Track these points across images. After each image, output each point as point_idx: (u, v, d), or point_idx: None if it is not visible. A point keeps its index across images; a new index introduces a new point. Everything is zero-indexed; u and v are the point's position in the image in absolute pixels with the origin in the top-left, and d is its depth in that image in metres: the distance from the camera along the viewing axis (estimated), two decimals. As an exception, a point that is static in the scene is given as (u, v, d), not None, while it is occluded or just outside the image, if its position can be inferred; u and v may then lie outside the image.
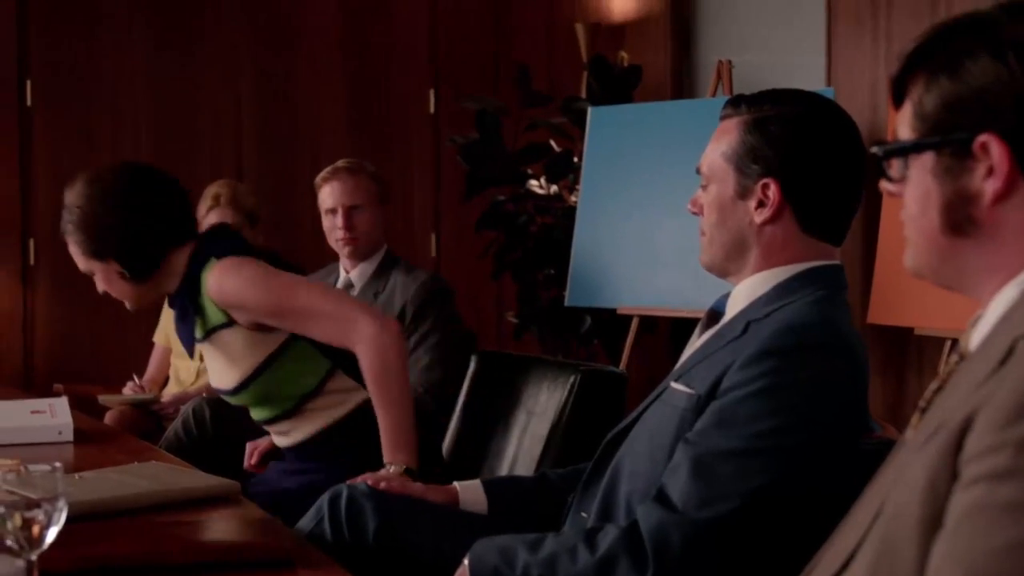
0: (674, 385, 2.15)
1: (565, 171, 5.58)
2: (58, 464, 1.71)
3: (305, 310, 2.90)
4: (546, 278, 5.63)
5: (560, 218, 5.56)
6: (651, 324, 5.29)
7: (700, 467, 1.99)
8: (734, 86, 5.06)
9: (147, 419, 4.53)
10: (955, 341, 4.02)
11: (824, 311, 2.08)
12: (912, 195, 1.37)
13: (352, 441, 3.00)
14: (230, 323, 2.95)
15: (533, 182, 5.67)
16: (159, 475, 2.55)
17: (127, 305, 3.11)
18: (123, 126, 6.00)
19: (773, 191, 2.12)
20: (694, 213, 2.26)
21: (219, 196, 4.69)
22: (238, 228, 4.55)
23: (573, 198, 5.47)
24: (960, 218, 1.31)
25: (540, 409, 3.14)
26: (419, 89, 6.50)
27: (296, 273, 3.05)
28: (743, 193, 2.15)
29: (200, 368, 4.66)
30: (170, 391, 4.69)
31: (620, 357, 5.11)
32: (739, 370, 2.01)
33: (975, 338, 1.33)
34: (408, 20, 6.50)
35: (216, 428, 3.70)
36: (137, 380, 4.71)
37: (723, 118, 2.21)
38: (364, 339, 2.87)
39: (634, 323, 5.00)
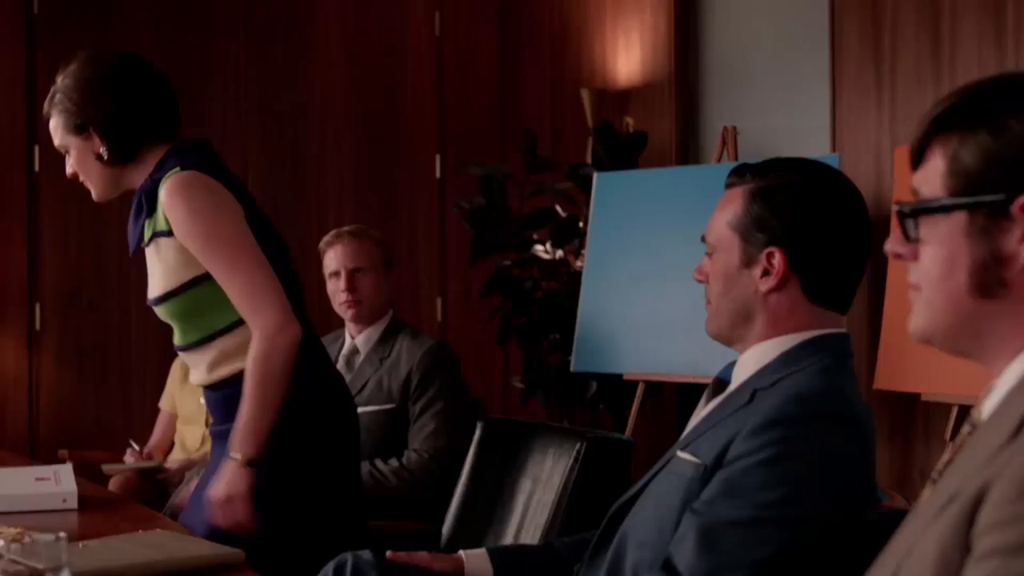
0: (680, 454, 2.14)
1: (571, 236, 5.59)
2: (62, 534, 1.71)
3: (222, 272, 2.86)
4: (552, 343, 5.62)
5: (566, 283, 5.56)
6: (657, 389, 5.28)
7: (707, 537, 1.98)
8: (739, 152, 5.08)
9: (151, 486, 4.51)
10: (962, 407, 4.01)
11: (831, 380, 2.08)
12: (935, 255, 1.33)
13: None
14: (171, 233, 2.91)
15: (539, 247, 5.68)
16: (164, 544, 2.53)
17: (93, 193, 3.06)
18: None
19: (778, 260, 2.12)
20: (699, 281, 2.26)
21: None
22: None
23: (579, 263, 5.47)
24: (990, 280, 1.28)
25: (546, 476, 3.12)
26: (425, 154, 6.53)
27: (271, 235, 2.99)
28: (748, 262, 2.16)
29: (206, 434, 4.65)
30: (175, 457, 4.67)
31: (626, 422, 5.10)
32: (745, 439, 2.01)
33: (987, 409, 1.32)
34: (415, 86, 6.55)
35: (221, 495, 3.67)
36: (135, 446, 4.69)
37: (728, 186, 2.22)
38: (259, 330, 2.83)
39: (640, 389, 4.99)
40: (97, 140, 2.96)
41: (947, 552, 1.15)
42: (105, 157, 2.98)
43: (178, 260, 2.91)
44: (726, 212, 2.19)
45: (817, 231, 2.13)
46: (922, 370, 4.09)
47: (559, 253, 5.65)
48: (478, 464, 3.36)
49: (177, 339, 3.06)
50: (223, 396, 2.99)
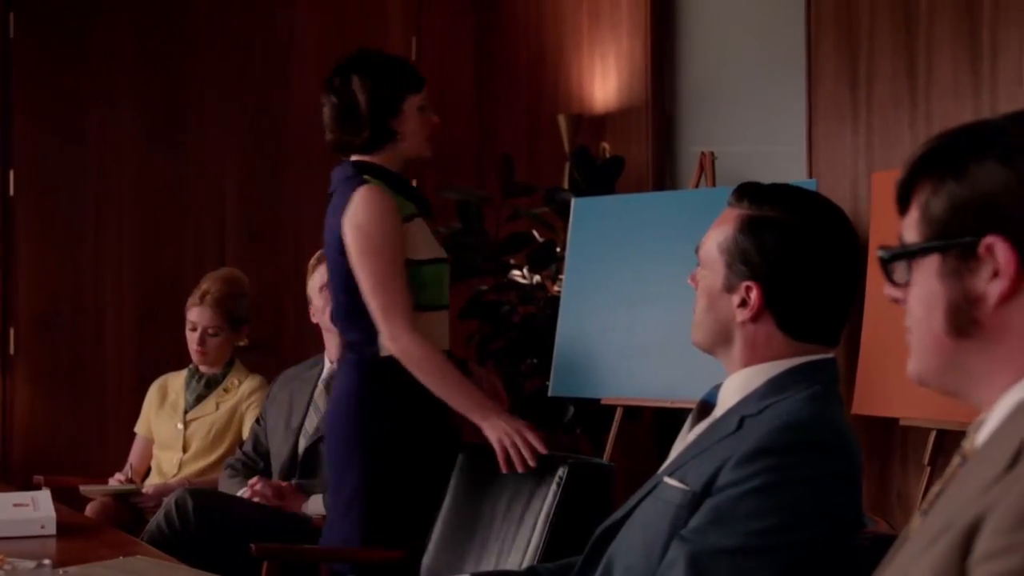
0: (667, 480, 2.14)
1: (548, 261, 5.59)
2: (46, 561, 1.70)
3: None
4: (529, 368, 5.62)
5: (543, 308, 5.56)
6: (634, 413, 5.28)
7: (697, 565, 1.98)
8: (716, 177, 5.10)
9: (127, 510, 4.48)
10: (940, 432, 4.03)
11: (820, 408, 2.08)
12: (917, 298, 1.38)
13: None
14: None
15: (516, 272, 5.68)
16: (145, 571, 2.52)
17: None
18: (107, 217, 6.00)
19: (755, 295, 2.13)
20: (692, 286, 2.26)
21: (207, 294, 4.68)
22: (215, 333, 4.59)
23: (556, 288, 5.47)
24: (964, 320, 1.32)
25: (528, 502, 3.12)
26: (402, 179, 6.53)
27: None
28: (729, 288, 2.17)
29: (183, 460, 4.63)
30: (152, 483, 4.64)
31: (602, 447, 5.09)
32: (735, 468, 2.00)
33: (979, 442, 1.33)
34: (391, 111, 6.55)
35: (199, 520, 3.66)
36: (120, 476, 4.66)
37: (728, 205, 2.22)
38: None
39: (618, 413, 4.99)
40: None
41: None
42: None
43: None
44: (719, 232, 2.19)
45: (797, 274, 2.13)
46: (900, 395, 4.10)
47: (536, 278, 5.65)
48: (459, 490, 3.35)
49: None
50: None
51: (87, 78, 6.00)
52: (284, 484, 3.99)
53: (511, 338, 5.64)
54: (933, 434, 4.04)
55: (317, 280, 4.18)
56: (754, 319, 2.14)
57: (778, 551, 1.97)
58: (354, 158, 3.54)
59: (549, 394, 5.18)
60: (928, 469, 4.06)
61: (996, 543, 1.12)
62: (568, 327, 5.09)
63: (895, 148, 4.63)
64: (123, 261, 6.02)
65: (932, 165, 1.35)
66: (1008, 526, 1.12)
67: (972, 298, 1.30)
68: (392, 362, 3.33)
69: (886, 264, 1.39)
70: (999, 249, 1.27)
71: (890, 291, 1.42)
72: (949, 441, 4.09)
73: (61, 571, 2.43)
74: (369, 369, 3.39)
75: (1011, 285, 1.27)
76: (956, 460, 1.36)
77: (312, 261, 4.24)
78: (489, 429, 3.17)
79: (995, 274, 1.28)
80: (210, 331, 4.69)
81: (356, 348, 3.43)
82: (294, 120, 6.37)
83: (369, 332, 3.37)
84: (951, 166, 1.32)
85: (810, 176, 4.86)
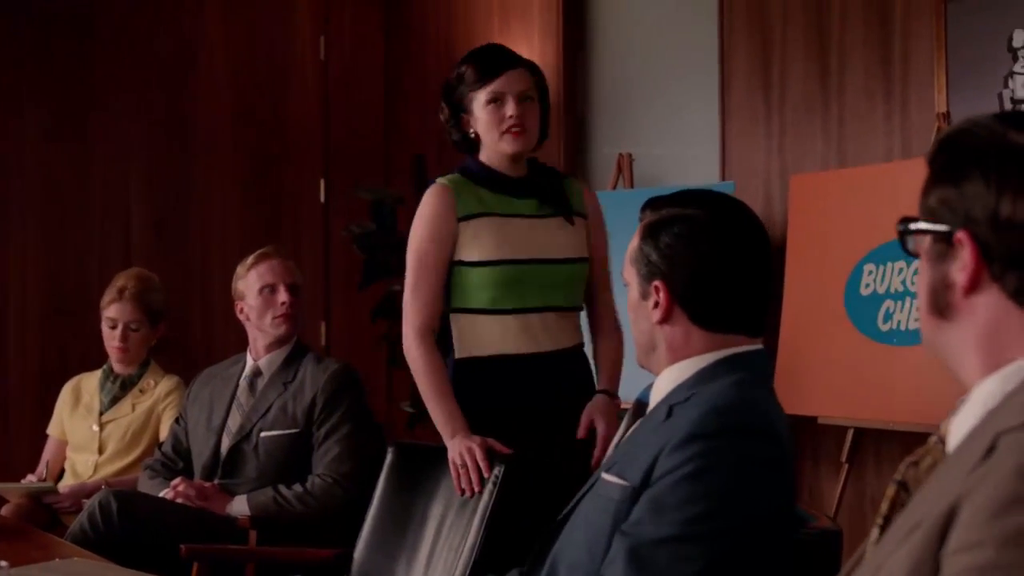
0: (606, 476, 2.16)
1: (462, 261, 5.59)
2: (3, 563, 1.68)
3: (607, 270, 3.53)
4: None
5: (457, 308, 5.56)
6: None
7: (636, 557, 1.99)
8: (634, 179, 5.14)
9: (43, 512, 4.40)
10: (858, 430, 4.10)
11: (745, 393, 2.11)
12: (919, 271, 1.50)
13: None
14: (585, 217, 3.49)
15: (430, 272, 5.66)
16: (84, 573, 2.49)
17: (523, 142, 3.46)
18: (9, 215, 5.90)
19: (662, 293, 2.18)
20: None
21: (124, 289, 4.62)
22: (136, 328, 4.55)
23: (470, 288, 5.47)
24: (940, 302, 1.43)
25: (460, 499, 3.13)
26: (310, 178, 6.51)
27: None
28: (644, 295, 2.23)
29: (98, 462, 4.56)
30: (66, 484, 4.56)
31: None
32: (669, 455, 2.03)
33: (955, 424, 1.39)
34: (300, 110, 6.53)
35: (123, 522, 3.61)
36: (34, 477, 4.58)
37: (639, 221, 2.28)
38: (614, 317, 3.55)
39: (534, 412, 5.00)
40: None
41: (916, 571, 1.19)
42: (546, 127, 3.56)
43: (585, 239, 3.44)
44: (629, 247, 2.26)
45: (696, 263, 2.17)
46: (818, 394, 4.17)
47: (450, 278, 5.64)
48: (389, 488, 3.35)
49: (559, 301, 3.39)
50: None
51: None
52: (207, 485, 3.95)
53: (426, 338, 5.63)
54: (851, 432, 4.11)
55: (255, 279, 4.13)
56: (667, 318, 2.19)
57: (713, 537, 1.98)
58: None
59: (464, 393, 5.17)
60: (846, 466, 4.13)
61: (969, 536, 1.15)
62: (484, 326, 5.09)
63: (808, 150, 4.71)
64: (27, 260, 5.93)
65: (939, 159, 1.46)
66: (981, 520, 1.15)
67: (947, 283, 1.41)
68: (468, 363, 3.38)
69: (901, 236, 1.50)
70: (966, 244, 1.38)
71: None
72: (867, 439, 4.16)
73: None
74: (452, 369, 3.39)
75: (971, 278, 1.38)
76: (933, 439, 1.43)
77: (250, 259, 4.18)
78: (450, 449, 3.17)
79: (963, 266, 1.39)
80: (132, 326, 4.64)
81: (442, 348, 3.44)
82: (201, 116, 6.33)
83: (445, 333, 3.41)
84: (949, 167, 1.43)
85: (723, 178, 4.92)
